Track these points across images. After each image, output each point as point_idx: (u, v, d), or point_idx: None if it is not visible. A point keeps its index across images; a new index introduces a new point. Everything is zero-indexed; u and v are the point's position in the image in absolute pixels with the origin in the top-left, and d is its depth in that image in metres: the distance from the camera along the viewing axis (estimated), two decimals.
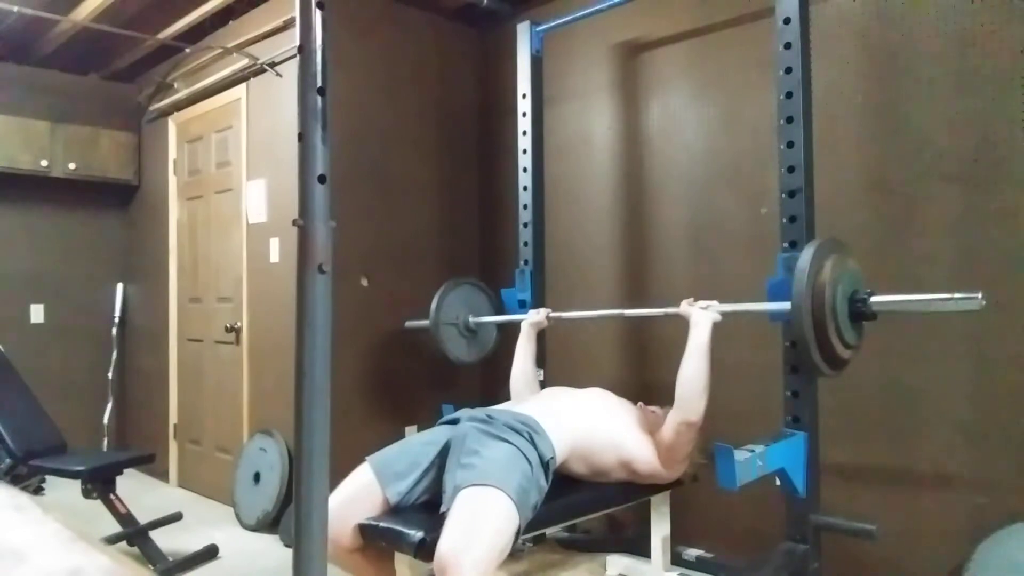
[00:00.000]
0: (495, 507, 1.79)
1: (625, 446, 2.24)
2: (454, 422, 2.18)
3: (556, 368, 3.22)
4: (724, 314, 2.28)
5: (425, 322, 3.14)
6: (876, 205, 2.54)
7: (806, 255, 1.94)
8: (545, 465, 2.01)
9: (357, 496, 1.97)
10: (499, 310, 3.29)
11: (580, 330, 3.36)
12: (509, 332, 3.20)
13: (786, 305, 2.01)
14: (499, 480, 1.82)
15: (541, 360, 3.15)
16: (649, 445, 2.26)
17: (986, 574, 2.10)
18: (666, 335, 3.11)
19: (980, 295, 1.80)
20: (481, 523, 1.76)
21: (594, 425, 2.25)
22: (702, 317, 2.26)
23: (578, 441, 2.18)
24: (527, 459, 1.95)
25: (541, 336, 2.93)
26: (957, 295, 1.84)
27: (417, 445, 2.08)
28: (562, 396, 2.40)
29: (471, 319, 3.21)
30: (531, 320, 2.83)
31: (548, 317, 2.83)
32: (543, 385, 3.08)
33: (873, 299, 2.00)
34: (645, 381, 3.16)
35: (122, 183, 4.68)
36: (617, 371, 3.27)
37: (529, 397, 2.56)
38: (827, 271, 1.94)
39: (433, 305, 3.12)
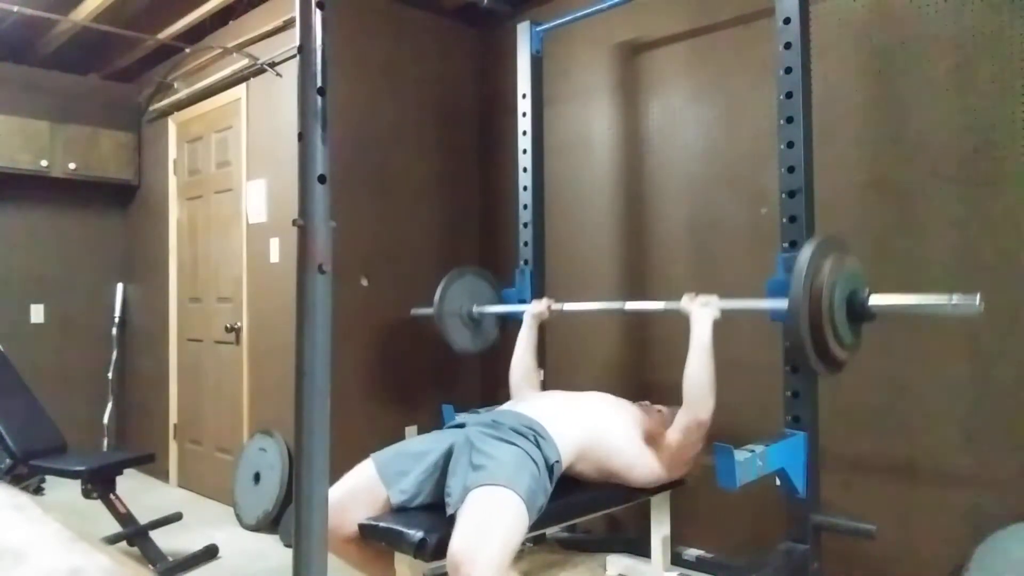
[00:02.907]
0: (507, 507, 1.80)
1: (628, 451, 2.24)
2: (459, 426, 2.18)
3: (556, 366, 3.22)
4: (725, 312, 2.28)
5: (430, 309, 3.13)
6: (876, 205, 2.54)
7: (804, 254, 1.92)
8: (550, 468, 2.01)
9: (359, 490, 1.98)
10: (503, 301, 3.29)
11: (580, 329, 3.36)
12: (510, 329, 3.20)
13: (781, 303, 2.00)
14: (510, 480, 1.83)
15: (541, 359, 3.15)
16: (651, 449, 2.26)
17: (986, 574, 2.10)
18: (666, 335, 3.11)
19: (978, 298, 1.78)
20: (493, 522, 1.77)
21: (597, 428, 2.24)
22: (702, 315, 2.26)
23: (583, 445, 2.18)
24: (534, 461, 1.96)
25: (542, 332, 2.93)
26: (955, 298, 1.82)
27: (421, 446, 2.08)
28: (564, 399, 2.40)
29: (475, 309, 3.20)
30: (533, 311, 2.84)
31: (550, 308, 2.84)
32: (544, 386, 3.08)
33: (871, 300, 1.98)
34: (645, 380, 3.16)
35: (122, 183, 4.68)
36: (617, 369, 3.27)
37: (530, 396, 2.56)
38: (825, 271, 1.93)
39: (437, 294, 3.10)
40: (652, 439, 2.29)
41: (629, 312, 2.62)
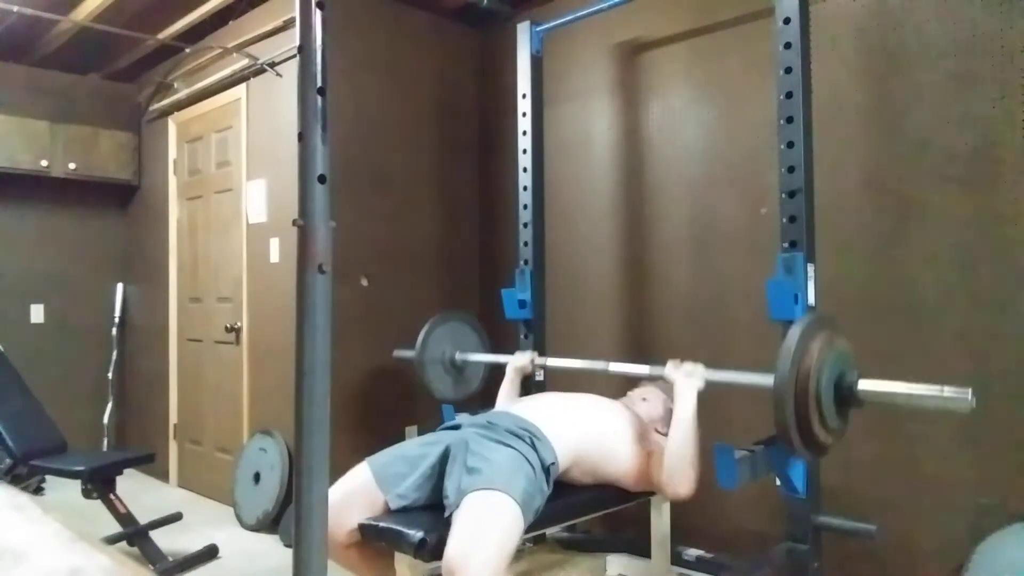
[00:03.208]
0: (502, 511, 1.80)
1: (623, 461, 2.23)
2: (455, 428, 2.18)
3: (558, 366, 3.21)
4: (711, 380, 2.21)
5: (411, 353, 3.08)
6: (876, 205, 2.54)
7: (793, 334, 1.83)
8: (546, 470, 2.01)
9: (355, 494, 1.97)
10: (489, 346, 3.26)
11: (581, 329, 3.36)
12: (508, 330, 3.20)
13: (768, 379, 1.89)
14: (505, 484, 1.83)
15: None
16: (642, 461, 2.24)
17: (986, 574, 2.10)
18: (666, 335, 3.11)
19: (970, 393, 1.70)
20: (488, 527, 1.76)
21: (596, 433, 2.24)
22: (686, 387, 2.20)
23: (579, 450, 2.18)
24: (530, 463, 1.96)
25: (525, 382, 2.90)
26: (947, 391, 1.74)
27: (417, 448, 2.08)
28: (559, 401, 2.39)
29: (457, 356, 3.15)
30: (516, 364, 2.81)
31: (533, 362, 2.82)
32: (544, 385, 3.08)
33: (860, 386, 1.89)
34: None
35: (122, 183, 4.68)
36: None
37: (525, 400, 2.55)
38: (814, 354, 1.83)
39: (419, 340, 3.05)
40: (645, 453, 2.27)
41: (613, 373, 2.56)
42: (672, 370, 2.26)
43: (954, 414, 2.33)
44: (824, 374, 1.84)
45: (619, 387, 2.75)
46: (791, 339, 1.83)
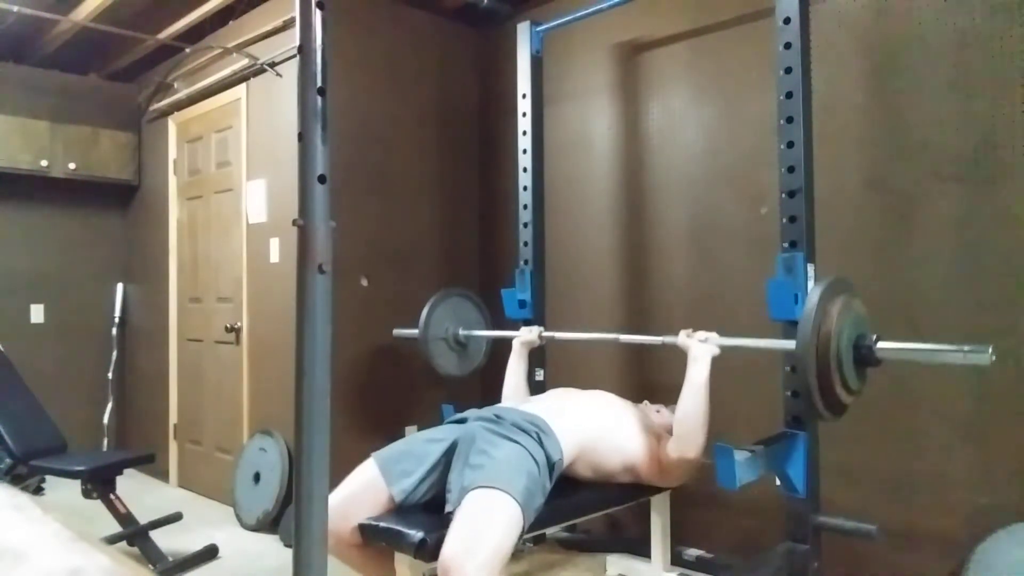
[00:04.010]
0: (501, 510, 1.79)
1: (629, 451, 2.24)
2: (461, 421, 2.18)
3: (557, 366, 3.21)
4: (724, 348, 2.25)
5: (414, 331, 3.10)
6: (876, 205, 2.54)
7: (813, 297, 1.90)
8: (551, 467, 2.01)
9: (361, 492, 1.97)
10: (491, 321, 3.27)
11: (580, 329, 3.36)
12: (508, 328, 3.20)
13: (789, 344, 2.01)
14: (506, 483, 1.83)
15: (540, 360, 3.15)
16: (650, 454, 2.26)
17: (986, 574, 2.10)
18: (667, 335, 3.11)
19: (990, 350, 1.75)
20: (486, 527, 1.76)
21: (601, 428, 2.25)
22: (701, 352, 2.22)
23: (585, 444, 2.18)
24: (535, 460, 1.95)
25: (534, 351, 2.91)
26: (966, 347, 1.78)
27: (423, 443, 2.07)
28: (568, 397, 2.40)
29: (460, 332, 3.16)
30: (523, 339, 2.82)
31: (540, 336, 2.82)
32: (544, 385, 3.08)
33: (878, 346, 1.95)
34: (644, 381, 3.15)
35: (122, 183, 4.68)
36: (618, 370, 3.27)
37: (536, 396, 2.56)
38: (833, 315, 1.89)
39: (422, 317, 3.07)
40: (654, 440, 2.29)
41: (624, 344, 2.58)
42: (685, 338, 2.28)
43: (954, 414, 2.35)
44: (844, 336, 1.90)
45: (625, 393, 2.75)
46: (811, 303, 1.89)
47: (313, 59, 1.09)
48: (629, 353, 3.25)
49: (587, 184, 3.44)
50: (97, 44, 4.23)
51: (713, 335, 2.25)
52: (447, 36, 3.90)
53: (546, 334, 2.82)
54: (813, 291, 1.92)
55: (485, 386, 3.72)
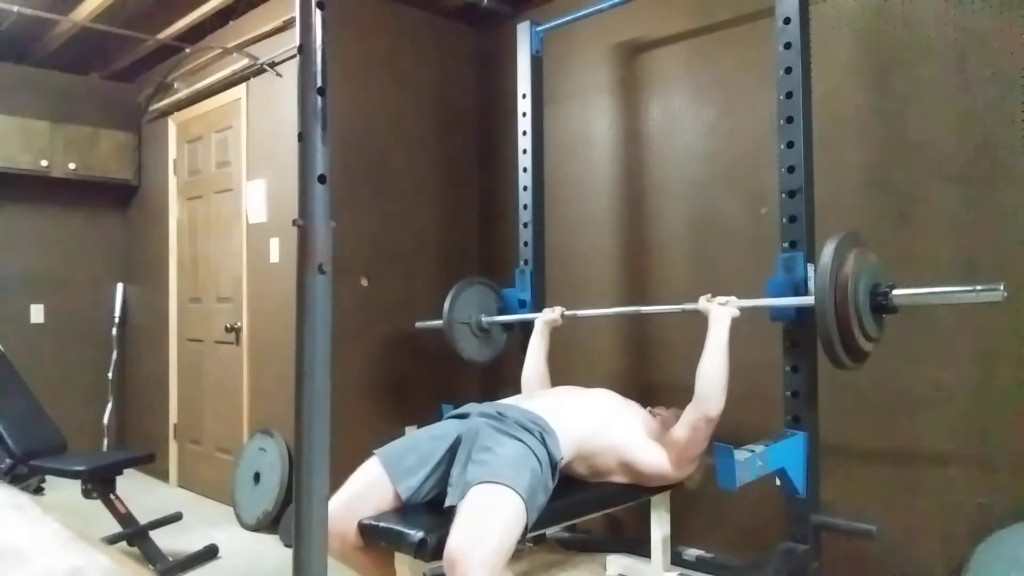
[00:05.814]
0: (505, 505, 1.79)
1: (630, 449, 2.24)
2: (463, 416, 2.17)
3: (558, 367, 3.21)
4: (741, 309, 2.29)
5: (438, 322, 3.13)
6: (876, 205, 2.54)
7: (829, 248, 1.96)
8: (553, 466, 2.01)
9: (367, 491, 1.96)
10: (506, 310, 3.29)
11: (581, 329, 3.36)
12: (515, 334, 3.21)
13: (807, 300, 2.07)
14: (510, 478, 1.83)
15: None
16: (655, 447, 2.26)
17: (986, 574, 2.10)
18: (667, 338, 3.11)
19: (1002, 287, 1.82)
20: (491, 521, 1.76)
21: (601, 426, 2.24)
22: (721, 313, 2.27)
23: (583, 443, 2.18)
24: (537, 458, 1.95)
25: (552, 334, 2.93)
26: (979, 287, 1.85)
27: (427, 440, 2.06)
28: (571, 395, 2.40)
29: (483, 319, 3.20)
30: (545, 318, 2.83)
31: (563, 315, 2.83)
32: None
33: (895, 292, 2.01)
34: (646, 381, 3.16)
35: (122, 183, 4.68)
36: (618, 371, 3.27)
37: (538, 393, 2.56)
38: (850, 264, 1.96)
39: (446, 304, 3.11)
40: (657, 437, 2.29)
41: (633, 316, 2.63)
42: (705, 302, 2.34)
43: (954, 412, 2.35)
44: (861, 283, 1.97)
45: (627, 393, 2.75)
46: (826, 255, 1.95)
47: (313, 59, 1.09)
48: (629, 353, 3.25)
49: (587, 184, 3.44)
50: (97, 44, 4.23)
51: (732, 298, 2.30)
52: (447, 36, 3.90)
53: (568, 313, 2.83)
54: (827, 244, 1.98)
55: (485, 387, 3.73)
